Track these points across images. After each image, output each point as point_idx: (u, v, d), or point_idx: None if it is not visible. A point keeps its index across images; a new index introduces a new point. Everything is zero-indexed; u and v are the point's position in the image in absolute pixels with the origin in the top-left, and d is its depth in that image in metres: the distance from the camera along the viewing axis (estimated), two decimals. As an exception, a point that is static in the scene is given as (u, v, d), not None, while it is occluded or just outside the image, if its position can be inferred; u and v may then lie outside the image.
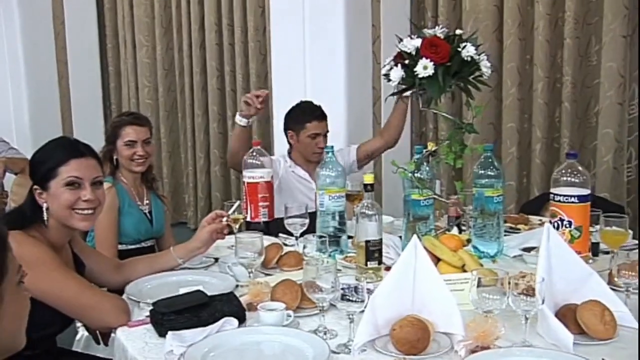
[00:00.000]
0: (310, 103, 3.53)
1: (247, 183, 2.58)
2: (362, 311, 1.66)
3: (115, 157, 2.94)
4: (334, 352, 1.62)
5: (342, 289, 1.67)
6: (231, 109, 5.20)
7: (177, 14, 5.51)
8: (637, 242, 2.51)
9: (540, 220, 2.88)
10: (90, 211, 1.99)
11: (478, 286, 1.67)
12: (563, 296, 1.73)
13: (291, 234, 2.50)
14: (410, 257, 1.75)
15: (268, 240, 2.41)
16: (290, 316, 1.79)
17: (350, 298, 1.65)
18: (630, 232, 2.34)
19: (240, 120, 3.13)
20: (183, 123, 5.68)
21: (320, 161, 3.45)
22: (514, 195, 4.13)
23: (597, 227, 2.27)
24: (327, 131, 3.48)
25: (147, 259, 2.37)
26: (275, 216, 2.52)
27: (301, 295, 1.87)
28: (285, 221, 2.49)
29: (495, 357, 1.52)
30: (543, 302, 1.61)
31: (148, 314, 1.85)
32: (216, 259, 2.41)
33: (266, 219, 2.60)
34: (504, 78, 4.13)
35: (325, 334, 1.73)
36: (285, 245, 2.47)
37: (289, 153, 3.56)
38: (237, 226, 2.53)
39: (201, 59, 5.37)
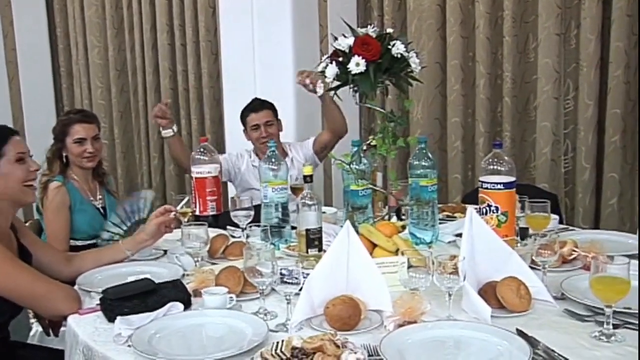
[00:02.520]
0: (254, 99, 3.67)
1: (196, 178, 2.68)
2: (299, 293, 1.78)
3: (65, 155, 3.00)
4: (273, 331, 1.74)
5: (281, 273, 1.79)
6: (184, 109, 5.26)
7: (129, 15, 5.54)
8: (561, 226, 2.68)
9: (476, 208, 3.02)
10: (35, 182, 2.10)
11: (409, 267, 1.80)
12: (486, 274, 1.87)
13: (238, 226, 2.61)
14: (343, 242, 1.87)
15: (215, 232, 2.52)
16: (232, 299, 1.89)
17: (288, 281, 1.77)
18: (556, 216, 2.49)
19: (165, 133, 3.31)
20: (137, 123, 5.71)
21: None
22: (460, 187, 4.29)
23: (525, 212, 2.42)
24: (270, 121, 3.61)
25: (96, 251, 2.46)
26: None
27: (243, 281, 1.97)
28: (232, 214, 2.59)
29: (419, 329, 1.65)
30: (464, 279, 1.74)
31: (98, 302, 1.94)
32: (165, 251, 2.50)
33: (214, 213, 2.71)
34: (448, 75, 4.28)
35: (265, 315, 1.84)
36: (232, 237, 2.57)
37: (254, 148, 3.73)
38: (187, 219, 2.63)
39: (153, 59, 5.42)
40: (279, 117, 3.74)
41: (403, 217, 2.73)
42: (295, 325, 1.74)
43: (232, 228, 2.69)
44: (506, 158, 2.27)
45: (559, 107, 3.92)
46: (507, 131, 4.11)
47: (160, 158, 5.52)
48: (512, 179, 2.25)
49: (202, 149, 2.73)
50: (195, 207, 2.69)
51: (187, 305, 1.91)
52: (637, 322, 1.69)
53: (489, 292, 1.81)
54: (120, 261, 2.35)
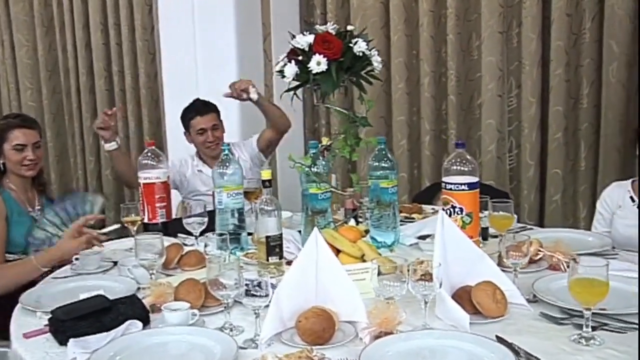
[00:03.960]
0: (195, 100, 3.54)
1: (144, 184, 2.56)
2: (267, 306, 1.68)
3: (2, 162, 2.81)
4: (242, 348, 1.63)
5: (246, 284, 1.68)
6: (121, 111, 5.07)
7: (59, 13, 5.30)
8: (519, 225, 2.67)
9: (434, 209, 2.99)
10: None
11: (378, 275, 1.73)
12: (458, 279, 1.81)
13: (190, 234, 2.49)
14: (311, 250, 1.78)
15: (167, 240, 2.39)
16: (195, 315, 1.78)
17: (255, 293, 1.67)
18: (515, 216, 2.47)
19: (108, 146, 3.08)
20: (70, 126, 5.47)
21: (219, 154, 3.51)
22: (406, 186, 4.27)
23: (486, 212, 2.39)
24: (216, 124, 3.51)
25: (6, 267, 2.31)
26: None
27: (205, 294, 1.86)
28: (184, 220, 2.47)
29: (398, 341, 1.58)
30: (441, 286, 1.68)
31: (47, 322, 1.79)
32: (115, 263, 2.36)
33: (164, 220, 2.59)
34: (393, 73, 4.26)
35: (231, 330, 1.74)
36: (185, 245, 2.45)
37: (197, 152, 3.60)
38: (135, 228, 2.50)
39: (87, 59, 5.20)
40: (222, 118, 3.63)
41: (360, 220, 2.67)
42: (266, 341, 1.64)
43: (184, 236, 2.56)
44: (469, 158, 2.23)
45: (503, 104, 3.95)
46: (453, 129, 4.12)
47: (97, 162, 5.32)
48: (476, 179, 2.21)
49: (149, 153, 2.60)
50: (144, 214, 2.57)
51: (146, 322, 1.79)
52: (615, 324, 1.67)
53: (463, 297, 1.76)
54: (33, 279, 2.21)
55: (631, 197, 2.63)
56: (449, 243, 1.83)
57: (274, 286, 1.72)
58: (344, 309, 1.71)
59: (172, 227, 2.57)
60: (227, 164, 2.39)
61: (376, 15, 4.24)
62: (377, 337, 1.62)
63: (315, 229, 1.82)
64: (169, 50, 4.35)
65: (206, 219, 2.45)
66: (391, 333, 1.62)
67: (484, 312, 1.73)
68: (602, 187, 3.66)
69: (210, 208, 2.55)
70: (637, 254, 2.43)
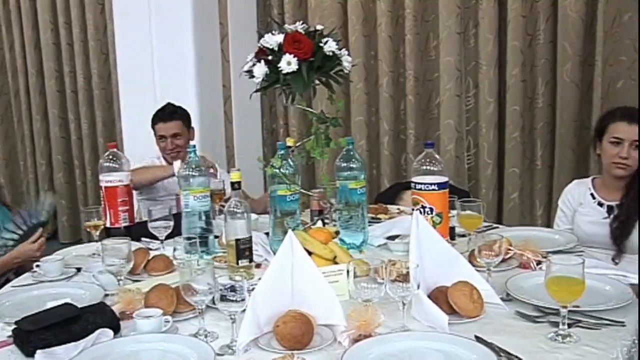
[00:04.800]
0: (167, 105, 3.49)
1: (105, 187, 2.49)
2: (244, 310, 1.64)
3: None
4: (218, 354, 1.59)
5: (220, 289, 1.65)
6: (73, 112, 4.95)
7: (5, 12, 5.15)
8: (485, 224, 2.68)
9: (399, 209, 3.00)
10: None
11: (354, 277, 1.71)
12: (434, 279, 1.81)
13: (155, 238, 2.43)
14: (287, 253, 1.75)
15: (134, 245, 2.32)
16: (168, 321, 1.73)
17: (231, 298, 1.63)
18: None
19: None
20: (20, 128, 5.32)
21: (183, 158, 3.45)
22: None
23: (454, 212, 2.40)
24: (178, 133, 3.45)
25: None
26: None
27: (176, 299, 1.82)
28: (149, 224, 2.41)
29: (379, 343, 1.56)
30: (418, 287, 1.67)
31: (10, 334, 1.72)
32: (78, 269, 2.28)
33: (127, 224, 2.52)
34: (351, 74, 4.23)
35: (206, 336, 1.70)
36: (150, 249, 2.39)
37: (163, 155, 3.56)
38: (98, 233, 2.43)
39: (37, 59, 5.06)
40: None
41: (326, 221, 2.64)
42: (243, 347, 1.60)
43: (148, 240, 2.50)
44: (438, 157, 2.24)
45: (461, 104, 3.99)
46: (412, 129, 4.14)
47: (48, 165, 5.17)
48: (445, 179, 2.22)
49: (111, 156, 2.54)
50: (106, 219, 2.49)
51: (116, 330, 1.73)
52: (589, 320, 1.69)
53: (439, 297, 1.75)
54: None
55: (592, 194, 2.67)
56: (424, 244, 1.82)
57: (249, 290, 1.69)
58: (322, 312, 1.68)
59: (136, 231, 2.50)
60: (194, 166, 2.34)
61: (334, 16, 4.24)
62: (356, 340, 1.60)
63: (290, 231, 1.79)
64: (124, 50, 4.26)
65: (172, 223, 2.40)
66: (370, 336, 1.61)
67: (462, 313, 1.72)
68: (557, 185, 3.74)
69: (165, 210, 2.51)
70: (599, 250, 2.49)
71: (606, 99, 3.58)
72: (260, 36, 2.09)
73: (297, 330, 1.60)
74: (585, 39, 3.63)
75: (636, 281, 1.99)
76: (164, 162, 3.52)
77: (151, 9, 4.06)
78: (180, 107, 3.50)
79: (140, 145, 3.64)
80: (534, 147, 3.88)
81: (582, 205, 2.67)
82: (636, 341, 1.67)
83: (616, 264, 2.44)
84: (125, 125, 4.27)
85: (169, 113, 3.45)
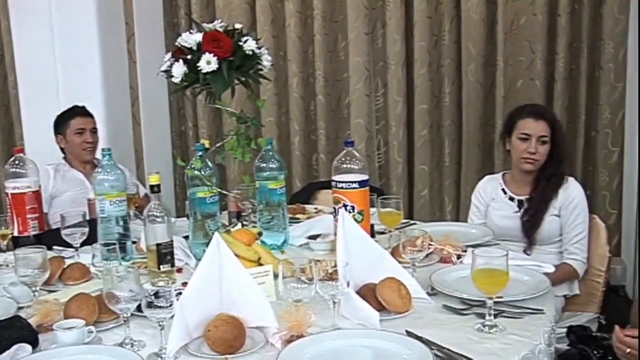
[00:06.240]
0: (75, 105, 3.38)
1: (12, 194, 2.37)
2: (172, 317, 1.60)
3: None
4: (147, 363, 1.54)
5: (145, 295, 1.59)
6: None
7: None
8: (407, 221, 2.74)
9: (317, 208, 3.00)
10: None
11: (275, 278, 1.69)
12: (362, 277, 1.82)
13: (69, 245, 2.33)
14: (213, 255, 1.72)
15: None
16: (91, 332, 1.66)
17: (158, 304, 1.58)
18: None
19: None
20: None
21: (91, 160, 3.34)
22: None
23: (373, 209, 2.42)
24: (95, 128, 3.42)
25: None
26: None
27: (98, 308, 1.74)
28: (63, 232, 2.31)
29: (313, 343, 1.55)
30: (348, 285, 1.67)
31: None
32: (-17, 282, 2.15)
33: (37, 232, 2.41)
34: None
35: (132, 345, 1.64)
36: (63, 258, 2.28)
37: (65, 158, 3.44)
38: (6, 242, 2.30)
39: None
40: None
41: (245, 223, 2.61)
42: (173, 354, 1.56)
43: (60, 248, 2.39)
44: (358, 156, 2.25)
45: (370, 104, 4.05)
46: (322, 129, 4.16)
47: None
48: (366, 176, 2.24)
49: (17, 161, 2.42)
50: (14, 227, 2.37)
51: (35, 344, 1.64)
52: (512, 310, 1.75)
53: (367, 294, 1.76)
54: None
55: (503, 190, 2.77)
56: (350, 241, 1.83)
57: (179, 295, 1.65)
58: (252, 314, 1.66)
59: (47, 239, 2.39)
60: (109, 170, 2.26)
61: (242, 16, 4.19)
62: (288, 341, 1.59)
63: (217, 233, 1.75)
64: (23, 50, 4.05)
65: (87, 229, 2.30)
66: (302, 336, 1.60)
67: (391, 308, 1.74)
68: (465, 180, 3.87)
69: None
70: (512, 242, 2.59)
71: (508, 98, 3.73)
72: (178, 35, 2.03)
73: (228, 334, 1.57)
74: (487, 40, 3.76)
75: (549, 270, 2.09)
76: (67, 167, 3.39)
77: (51, 7, 3.88)
78: None
79: (43, 150, 3.47)
80: (441, 145, 3.98)
81: (495, 200, 2.77)
82: (555, 327, 1.75)
83: (528, 255, 2.55)
84: (26, 130, 4.06)
85: (84, 109, 3.42)
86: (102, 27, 3.96)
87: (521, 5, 3.70)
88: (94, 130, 3.41)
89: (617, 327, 1.84)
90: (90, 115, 3.42)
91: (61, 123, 3.41)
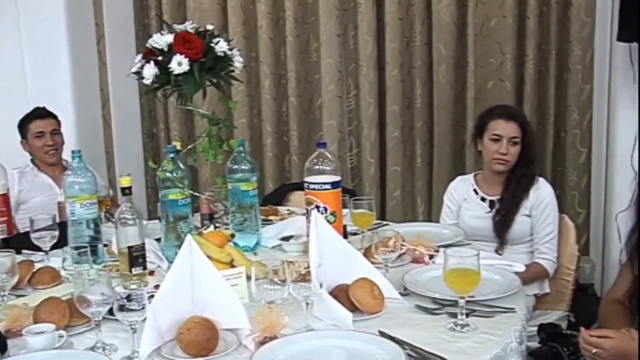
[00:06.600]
0: (37, 107, 3.34)
1: (-20, 198, 2.33)
2: (144, 320, 1.59)
3: None
4: (119, 367, 1.53)
5: (117, 299, 1.58)
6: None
7: None
8: (380, 222, 2.75)
9: (289, 210, 3.00)
10: None
11: (248, 279, 1.69)
12: (334, 278, 1.82)
13: (39, 249, 2.30)
14: (186, 258, 1.70)
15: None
16: (62, 336, 1.64)
17: (130, 307, 1.56)
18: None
19: None
20: None
21: (57, 162, 3.31)
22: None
23: (346, 210, 2.42)
24: (56, 129, 3.38)
25: None
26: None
27: (69, 312, 1.72)
28: (32, 235, 2.28)
29: (287, 344, 1.55)
30: (321, 286, 1.68)
31: None
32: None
33: (5, 236, 2.38)
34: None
35: (104, 349, 1.62)
36: (32, 262, 2.25)
37: (32, 161, 3.41)
38: (-26, 247, 2.27)
39: None
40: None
41: (217, 225, 2.60)
42: (145, 358, 1.55)
43: (29, 252, 2.35)
44: (330, 157, 2.25)
45: (343, 105, 4.06)
46: (294, 130, 4.16)
47: None
48: (338, 178, 2.24)
49: (-16, 165, 2.38)
50: (-19, 231, 2.34)
51: (3, 350, 1.61)
52: (483, 309, 1.77)
53: (341, 295, 1.77)
54: None
55: (475, 190, 2.79)
56: (323, 243, 1.83)
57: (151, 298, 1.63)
58: (225, 316, 1.65)
59: (15, 243, 2.35)
60: (79, 173, 2.23)
61: (214, 17, 4.17)
62: (261, 343, 1.59)
63: (189, 235, 1.74)
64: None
65: (57, 232, 2.27)
66: (275, 337, 1.60)
67: (364, 309, 1.75)
68: (437, 181, 3.90)
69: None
70: (483, 243, 2.61)
71: (478, 99, 3.77)
72: (149, 36, 2.02)
73: (201, 337, 1.56)
74: (458, 42, 3.80)
75: (520, 269, 2.11)
76: (35, 171, 3.35)
77: (19, 9, 3.82)
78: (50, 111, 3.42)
79: (12, 154, 3.41)
80: (413, 146, 4.00)
81: (466, 201, 2.79)
82: (525, 325, 1.77)
83: (500, 254, 2.58)
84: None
85: (44, 110, 3.37)
86: (72, 29, 3.91)
87: (491, 8, 3.75)
88: (55, 132, 3.35)
89: (582, 329, 1.87)
90: (51, 116, 3.37)
91: (22, 127, 3.37)
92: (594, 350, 1.79)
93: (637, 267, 2.02)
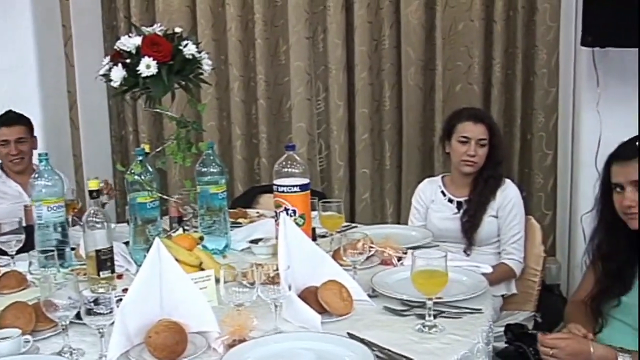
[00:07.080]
0: (8, 111, 3.32)
1: (-57, 202, 2.29)
2: (112, 323, 1.58)
3: None
4: (87, 371, 1.52)
5: (85, 303, 1.57)
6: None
7: None
8: (349, 224, 2.76)
9: (258, 212, 3.00)
10: None
11: (217, 282, 1.69)
12: (303, 280, 1.83)
13: (4, 253, 2.27)
14: (154, 261, 1.70)
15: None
16: (28, 341, 1.62)
17: (98, 311, 1.55)
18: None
19: None
20: None
21: (23, 170, 3.27)
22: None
23: (315, 213, 2.43)
24: (22, 137, 3.34)
25: None
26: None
27: (35, 317, 1.71)
28: (-3, 239, 2.25)
29: (256, 346, 1.56)
30: (290, 289, 1.68)
31: None
32: None
33: (-31, 241, 2.34)
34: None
35: (71, 354, 1.61)
36: (-3, 266, 2.23)
37: (1, 168, 3.39)
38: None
39: None
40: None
41: (186, 228, 2.59)
42: (113, 361, 1.54)
43: (-6, 256, 2.33)
44: (299, 160, 2.26)
45: (312, 107, 4.07)
46: (264, 133, 4.16)
47: None
48: (307, 180, 2.25)
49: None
50: (-55, 236, 2.29)
51: (-32, 356, 1.60)
52: (450, 310, 1.79)
53: (309, 297, 1.77)
54: None
55: (442, 192, 2.82)
56: (292, 245, 1.84)
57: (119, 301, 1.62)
58: (194, 319, 1.65)
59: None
60: (46, 176, 2.21)
61: (182, 20, 4.15)
62: (230, 345, 1.59)
63: (157, 238, 1.74)
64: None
65: (23, 236, 2.25)
66: (244, 340, 1.60)
67: (332, 311, 1.76)
68: (406, 183, 3.92)
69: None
70: (451, 244, 2.64)
71: (447, 102, 3.81)
72: (117, 38, 2.01)
73: (170, 340, 1.56)
74: (426, 45, 3.83)
75: (487, 270, 2.14)
76: (3, 177, 3.32)
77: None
78: (22, 115, 3.34)
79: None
80: (382, 148, 4.02)
81: (434, 202, 2.82)
82: (492, 326, 1.80)
83: (468, 255, 2.61)
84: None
85: (12, 117, 3.32)
86: (38, 30, 3.87)
87: (459, 11, 3.78)
88: (21, 140, 3.31)
89: (539, 334, 1.92)
90: (18, 123, 3.32)
91: None
92: (551, 352, 1.84)
93: (599, 268, 2.06)
